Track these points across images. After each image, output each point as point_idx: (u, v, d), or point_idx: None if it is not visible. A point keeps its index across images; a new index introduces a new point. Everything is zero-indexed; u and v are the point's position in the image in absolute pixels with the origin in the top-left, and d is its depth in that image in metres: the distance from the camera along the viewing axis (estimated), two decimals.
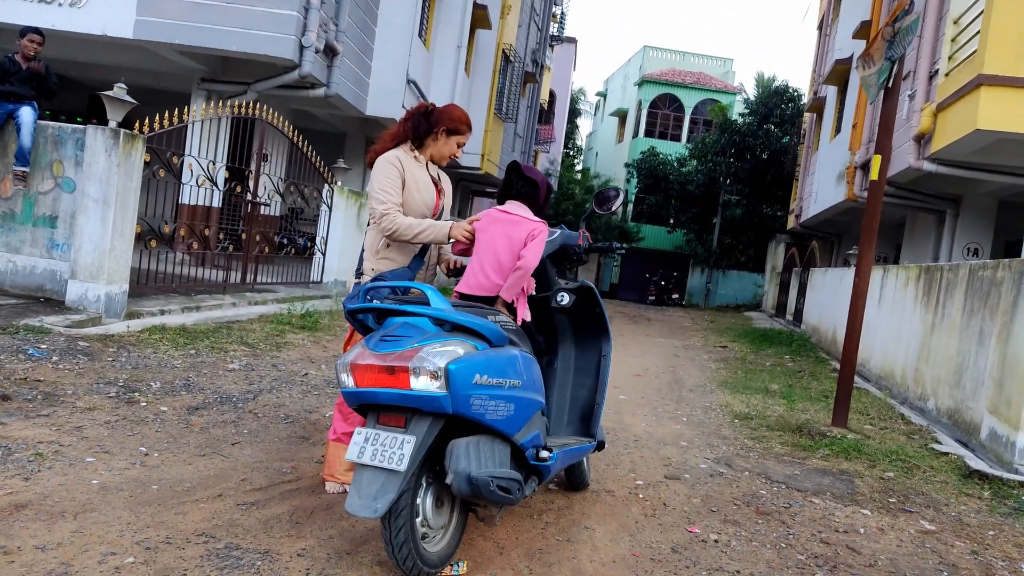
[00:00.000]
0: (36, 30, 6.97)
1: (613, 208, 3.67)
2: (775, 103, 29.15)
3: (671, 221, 32.71)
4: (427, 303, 2.68)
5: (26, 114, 6.61)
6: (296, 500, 3.22)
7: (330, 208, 11.07)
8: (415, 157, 3.37)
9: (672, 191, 31.35)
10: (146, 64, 11.00)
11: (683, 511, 3.71)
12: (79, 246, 6.34)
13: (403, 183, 3.26)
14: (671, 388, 7.72)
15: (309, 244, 13.79)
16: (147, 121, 6.82)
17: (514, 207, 3.36)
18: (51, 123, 6.73)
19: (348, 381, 2.58)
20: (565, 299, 3.50)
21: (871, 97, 6.43)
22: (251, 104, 8.71)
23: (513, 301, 3.17)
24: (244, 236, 9.49)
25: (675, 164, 31.95)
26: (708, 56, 40.70)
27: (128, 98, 6.60)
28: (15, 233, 6.67)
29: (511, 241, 3.24)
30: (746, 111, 30.54)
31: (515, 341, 2.93)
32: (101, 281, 6.30)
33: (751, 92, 31.76)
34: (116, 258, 6.40)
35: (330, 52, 10.51)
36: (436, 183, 3.45)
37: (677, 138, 37.24)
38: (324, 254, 11.16)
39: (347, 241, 11.28)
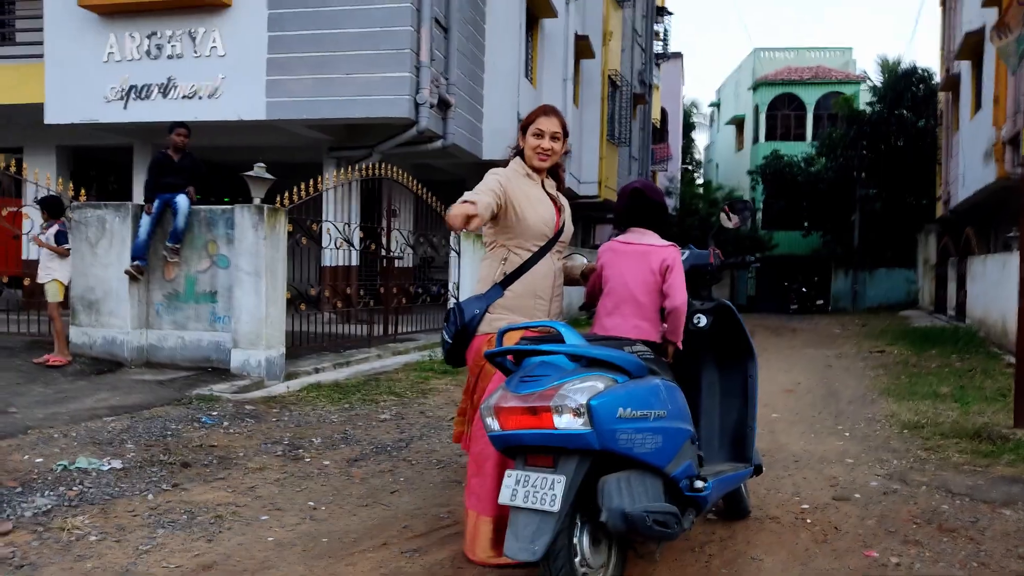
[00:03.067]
0: (183, 124, 7.71)
1: (742, 221, 3.55)
2: (904, 86, 27.34)
3: (804, 224, 31.21)
4: (561, 341, 2.69)
5: (181, 201, 7.27)
6: (455, 545, 3.28)
7: (458, 254, 11.39)
8: (527, 175, 3.22)
9: (802, 193, 29.99)
10: (279, 141, 11.86)
11: (857, 534, 3.48)
12: (238, 317, 6.86)
13: (504, 193, 3.08)
14: (827, 401, 7.30)
15: (442, 291, 14.24)
16: (286, 194, 7.34)
17: (638, 235, 3.28)
18: (203, 206, 7.37)
19: (493, 425, 2.62)
20: (702, 321, 3.40)
21: (1012, 68, 5.93)
22: (376, 165, 9.18)
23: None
24: (383, 290, 9.93)
25: (802, 164, 30.57)
26: (824, 48, 38.96)
27: (267, 175, 7.13)
28: (180, 311, 7.32)
29: (645, 275, 3.15)
30: (874, 99, 28.84)
31: (655, 370, 2.88)
32: (260, 347, 6.77)
33: (876, 79, 30.06)
34: (271, 324, 6.87)
35: (444, 105, 10.92)
36: (554, 200, 3.28)
37: (801, 137, 35.68)
38: (457, 299, 11.47)
39: (476, 284, 11.52)
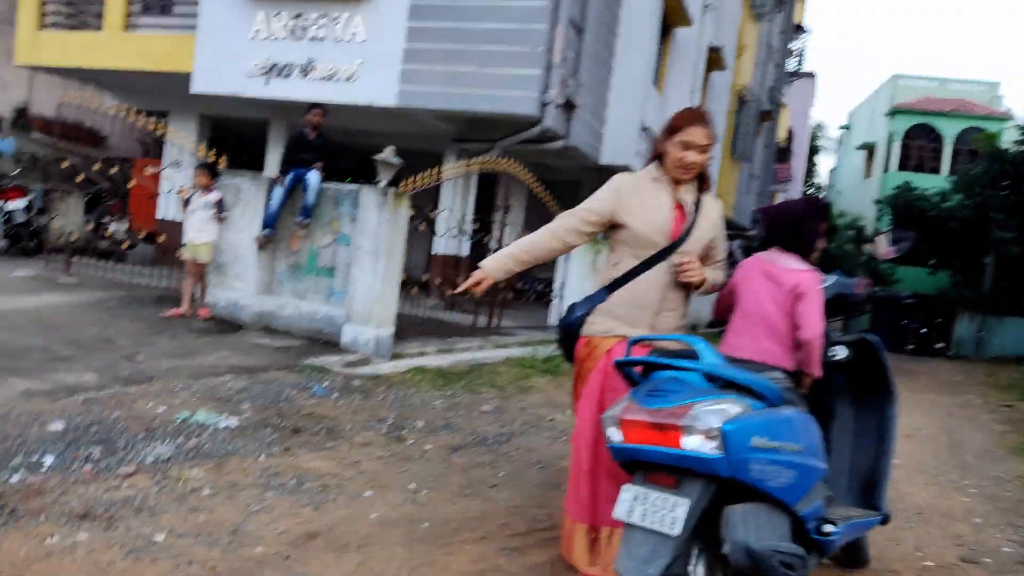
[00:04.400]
0: (319, 105, 7.98)
1: (899, 252, 3.31)
2: None
3: (931, 262, 29.36)
4: (696, 357, 2.57)
5: (313, 177, 7.52)
6: (554, 549, 3.21)
7: (567, 255, 11.32)
8: (654, 179, 3.02)
9: (932, 228, 28.22)
10: (405, 129, 12.11)
11: None
12: (353, 293, 7.03)
13: (618, 203, 2.96)
14: (951, 453, 6.79)
15: (547, 289, 14.23)
16: (408, 180, 7.46)
17: (776, 256, 3.12)
18: (331, 184, 7.60)
19: (616, 436, 2.53)
20: (839, 354, 3.18)
21: None
22: (496, 159, 9.22)
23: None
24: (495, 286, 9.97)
25: (935, 199, 28.79)
26: (969, 81, 36.51)
27: (396, 160, 7.27)
28: (301, 282, 7.56)
29: (777, 297, 3.00)
30: (1020, 138, 26.82)
31: (792, 400, 2.71)
32: (371, 325, 6.91)
33: (1022, 118, 27.93)
34: (384, 304, 7.00)
35: (569, 106, 10.86)
36: (682, 207, 2.99)
37: (935, 171, 33.64)
38: (561, 299, 11.40)
39: (583, 287, 11.43)
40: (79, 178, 9.28)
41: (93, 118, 14.92)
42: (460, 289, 2.89)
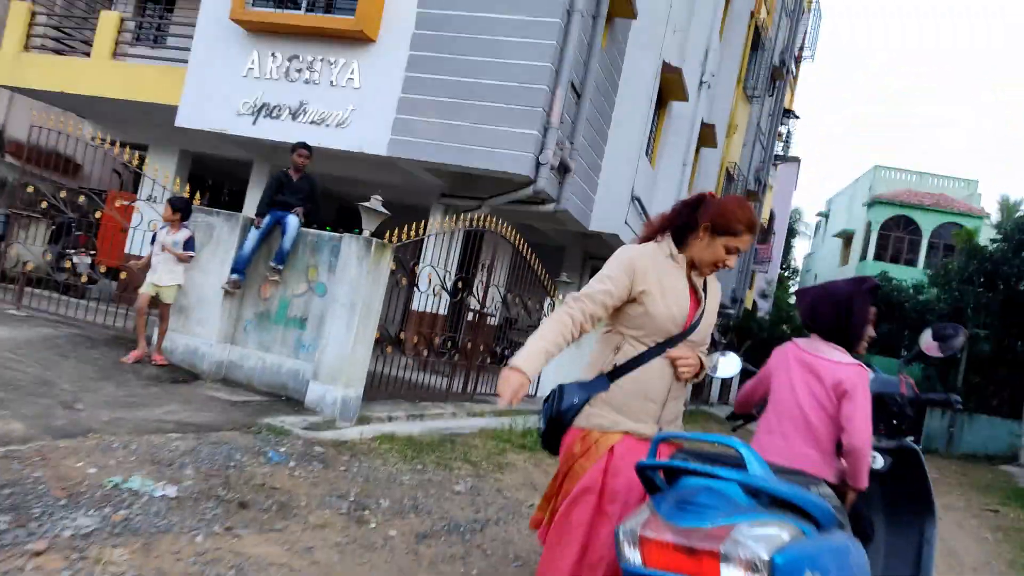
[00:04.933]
0: (305, 145, 7.62)
1: (947, 351, 2.94)
2: None
3: (903, 353, 29.42)
4: (740, 465, 2.13)
5: (292, 221, 7.09)
6: None
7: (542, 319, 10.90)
8: (671, 256, 2.67)
9: (908, 321, 28.34)
10: (392, 180, 11.78)
11: None
12: (323, 348, 6.53)
13: (633, 284, 2.59)
14: (948, 565, 6.34)
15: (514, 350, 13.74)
16: (391, 232, 7.06)
17: (818, 344, 2.73)
18: (311, 230, 7.17)
19: (633, 557, 2.06)
20: (878, 462, 2.78)
21: None
22: (484, 217, 8.87)
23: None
24: (470, 345, 9.50)
25: (910, 291, 29.02)
26: (949, 177, 37.48)
27: (382, 209, 6.88)
28: (268, 333, 7.05)
29: (818, 392, 2.60)
30: (998, 236, 27.29)
31: (843, 523, 2.28)
32: (340, 384, 6.40)
33: (996, 217, 28.44)
34: (355, 362, 6.50)
35: (563, 169, 10.63)
36: (696, 292, 2.69)
37: (912, 263, 34.14)
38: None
39: (563, 357, 10.98)
40: (42, 204, 8.75)
41: (70, 145, 14.48)
42: (505, 401, 2.43)
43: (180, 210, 7.02)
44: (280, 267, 7.08)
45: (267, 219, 7.20)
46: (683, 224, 2.68)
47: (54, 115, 10.92)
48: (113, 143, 8.78)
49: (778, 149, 27.11)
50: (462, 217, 8.81)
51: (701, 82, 15.73)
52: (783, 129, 26.46)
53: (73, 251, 10.73)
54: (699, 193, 2.79)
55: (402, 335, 8.80)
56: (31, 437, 4.13)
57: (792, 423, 2.58)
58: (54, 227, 11.24)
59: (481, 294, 9.61)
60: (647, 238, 2.80)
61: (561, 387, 2.72)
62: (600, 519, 2.57)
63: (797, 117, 28.33)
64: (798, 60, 27.98)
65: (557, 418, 2.66)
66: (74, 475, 3.73)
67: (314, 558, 3.47)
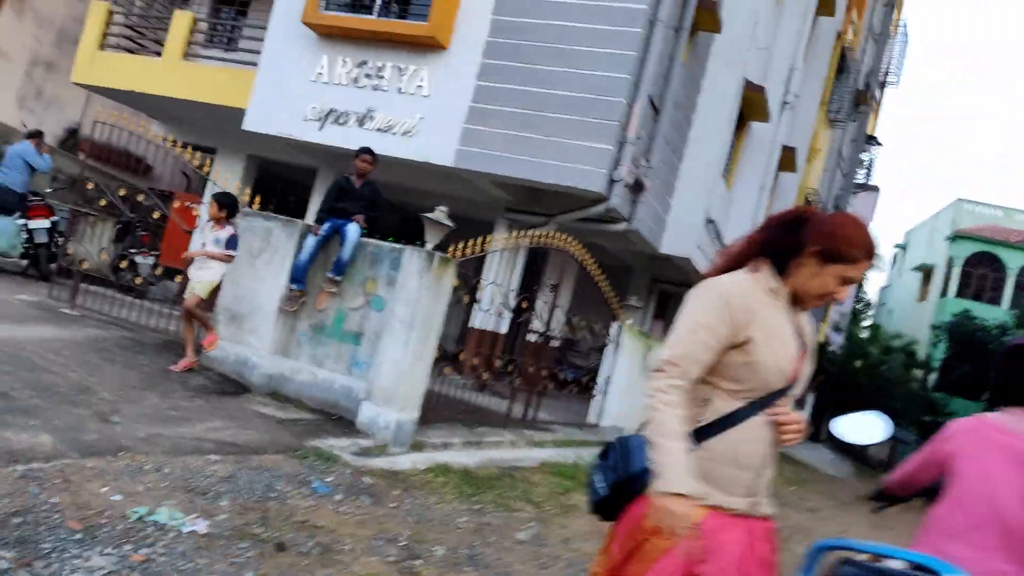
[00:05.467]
0: (369, 151, 7.22)
1: None
2: None
3: (985, 396, 27.66)
4: None
5: (352, 230, 6.69)
6: None
7: (617, 346, 10.30)
8: (771, 290, 2.10)
9: (989, 362, 26.68)
10: (456, 192, 11.39)
11: None
12: (379, 367, 6.09)
13: (734, 330, 2.03)
14: None
15: (582, 377, 13.17)
16: (452, 247, 6.60)
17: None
18: (371, 240, 6.76)
19: None
20: None
21: None
22: (551, 234, 8.34)
23: None
24: (532, 369, 8.95)
25: (995, 331, 27.33)
26: None
27: (448, 222, 6.43)
28: (322, 346, 6.65)
29: None
30: None
31: None
32: (394, 407, 5.94)
33: None
34: (412, 383, 6.04)
35: (637, 187, 10.04)
36: (801, 334, 2.13)
37: (996, 301, 32.26)
38: (605, 395, 10.32)
39: (629, 385, 10.37)
40: (102, 202, 8.59)
41: (141, 146, 14.61)
42: (668, 524, 1.91)
43: (226, 207, 6.68)
44: (338, 278, 6.68)
45: (326, 226, 6.83)
46: (782, 248, 2.12)
47: (126, 115, 10.89)
48: (180, 145, 8.59)
49: (859, 177, 25.93)
50: (528, 232, 8.31)
51: (783, 103, 14.96)
52: (865, 156, 25.29)
53: (135, 251, 10.63)
54: (795, 209, 2.21)
55: (460, 355, 8.34)
56: (57, 454, 3.75)
57: (989, 530, 1.96)
58: (119, 226, 11.17)
59: (546, 315, 9.07)
60: (732, 266, 2.21)
61: (626, 441, 2.15)
62: None
63: (880, 144, 27.06)
64: (883, 85, 26.79)
65: (625, 483, 2.10)
66: (96, 503, 3.32)
67: None
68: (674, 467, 1.91)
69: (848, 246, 2.02)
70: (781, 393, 2.09)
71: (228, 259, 6.61)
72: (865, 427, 2.57)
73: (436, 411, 6.88)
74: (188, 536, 3.27)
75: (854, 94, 20.11)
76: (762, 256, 2.13)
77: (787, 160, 15.78)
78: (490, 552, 4.14)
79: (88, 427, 4.31)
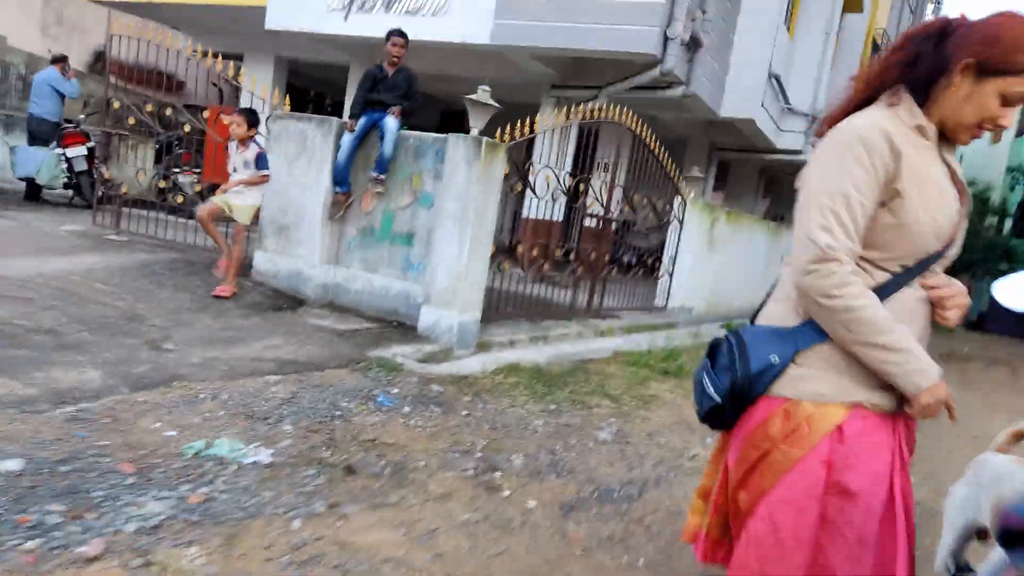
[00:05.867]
0: (400, 32, 6.60)
1: None
2: None
3: None
4: None
5: (391, 123, 6.21)
6: None
7: (681, 223, 9.73)
8: (917, 128, 1.69)
9: None
10: (497, 74, 10.66)
11: None
12: (434, 268, 5.74)
13: (885, 186, 1.65)
14: None
15: (644, 259, 12.69)
16: (500, 131, 6.06)
17: None
18: (412, 132, 6.28)
19: None
20: None
21: None
22: (603, 108, 7.66)
23: None
24: (594, 254, 8.50)
25: None
26: None
27: (492, 102, 5.87)
28: (373, 251, 6.31)
29: None
30: None
31: None
32: (455, 308, 5.62)
33: None
34: (471, 283, 5.68)
35: (694, 45, 9.15)
36: (956, 179, 1.73)
37: None
38: (672, 276, 9.85)
39: (697, 264, 9.87)
40: (131, 120, 8.24)
41: (170, 63, 14.20)
42: (929, 410, 1.66)
43: (254, 124, 6.19)
44: (382, 176, 6.25)
45: (362, 121, 6.35)
46: (925, 71, 1.69)
47: (151, 28, 10.40)
48: (206, 54, 8.08)
49: (928, 11, 23.66)
50: (578, 108, 7.66)
51: None
52: None
53: (176, 170, 10.37)
54: (940, 18, 1.73)
55: (517, 246, 7.94)
56: (106, 390, 3.55)
57: None
58: (158, 146, 10.90)
59: (605, 196, 8.52)
60: (861, 101, 1.78)
61: (740, 335, 1.81)
62: (829, 536, 1.67)
63: None
64: None
65: (744, 385, 1.75)
66: (149, 441, 3.10)
67: (438, 547, 2.72)
68: (919, 355, 1.65)
69: (1015, 51, 1.58)
70: (935, 258, 1.71)
71: (264, 180, 6.20)
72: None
73: (498, 308, 6.55)
74: (250, 468, 3.05)
75: None
76: (899, 83, 1.71)
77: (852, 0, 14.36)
78: (571, 456, 3.85)
79: (139, 357, 4.10)
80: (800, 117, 13.70)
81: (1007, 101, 1.63)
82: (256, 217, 6.37)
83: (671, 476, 3.81)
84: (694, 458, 4.12)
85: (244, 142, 6.06)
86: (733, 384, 1.77)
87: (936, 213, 1.66)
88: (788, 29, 12.75)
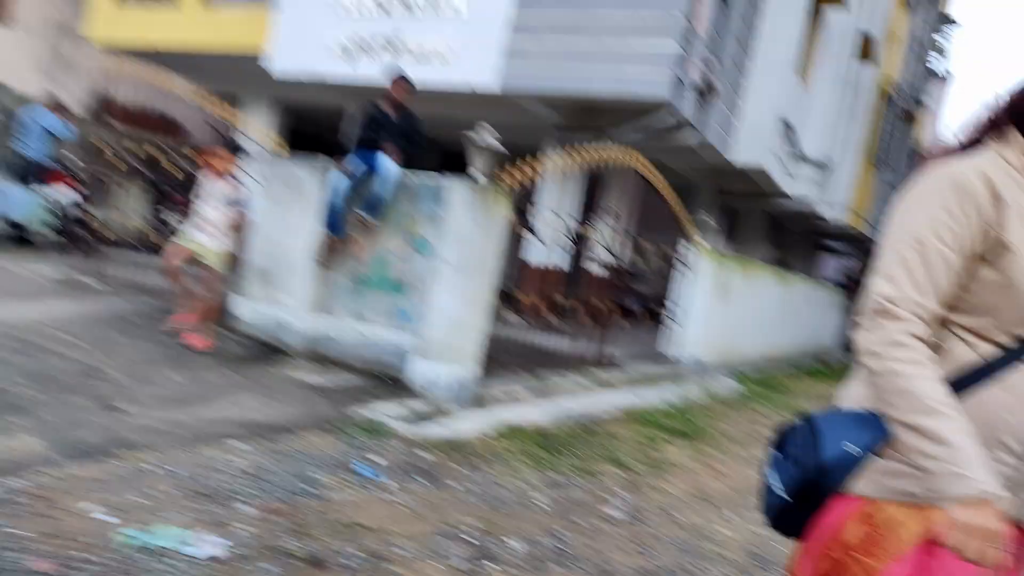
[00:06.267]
0: (406, 77, 6.27)
1: None
2: None
3: None
4: None
5: (386, 163, 5.83)
6: None
7: (690, 270, 9.29)
8: (1017, 169, 1.38)
9: None
10: (499, 118, 10.33)
11: None
12: (428, 318, 5.30)
13: (981, 238, 1.33)
14: None
15: (647, 307, 12.26)
16: (501, 175, 5.68)
17: None
18: (410, 174, 5.90)
19: None
20: None
21: None
22: (611, 150, 7.29)
23: None
24: (597, 303, 8.04)
25: None
26: None
27: (496, 144, 5.50)
28: (363, 298, 5.88)
29: None
30: None
31: None
32: (451, 361, 5.17)
33: None
34: (469, 334, 5.24)
35: (707, 91, 8.85)
36: None
37: None
38: (682, 324, 9.35)
39: (706, 312, 9.40)
40: (121, 165, 7.92)
41: (169, 106, 14.06)
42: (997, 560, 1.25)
43: (234, 152, 5.80)
44: (375, 220, 5.86)
45: (357, 162, 5.98)
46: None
47: (149, 71, 10.21)
48: (208, 97, 7.78)
49: (937, 64, 23.52)
50: (585, 151, 7.30)
51: None
52: (941, 40, 22.84)
53: (166, 213, 10.03)
54: None
55: (518, 294, 7.51)
56: (42, 460, 3.07)
57: None
58: (152, 190, 10.59)
59: (609, 242, 8.11)
60: (967, 145, 1.48)
61: (812, 419, 1.47)
62: None
63: (957, 24, 24.38)
64: None
65: (816, 479, 1.41)
66: (78, 528, 2.61)
67: None
68: (963, 457, 1.24)
69: None
70: None
71: (242, 219, 5.78)
72: None
73: (497, 360, 6.07)
74: (198, 564, 2.55)
75: None
76: (1010, 123, 1.42)
77: (866, 49, 14.18)
78: (579, 541, 3.34)
79: (87, 420, 3.63)
80: (812, 165, 13.40)
81: None
82: (230, 262, 5.94)
83: (694, 565, 3.28)
84: (720, 544, 3.60)
85: (221, 173, 5.66)
86: (803, 479, 1.42)
87: None
88: (801, 76, 12.50)
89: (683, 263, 9.31)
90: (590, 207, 8.65)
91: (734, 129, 10.94)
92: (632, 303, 13.45)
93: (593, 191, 11.03)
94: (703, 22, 8.10)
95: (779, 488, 1.46)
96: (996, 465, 1.31)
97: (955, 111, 78.64)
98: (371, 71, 9.52)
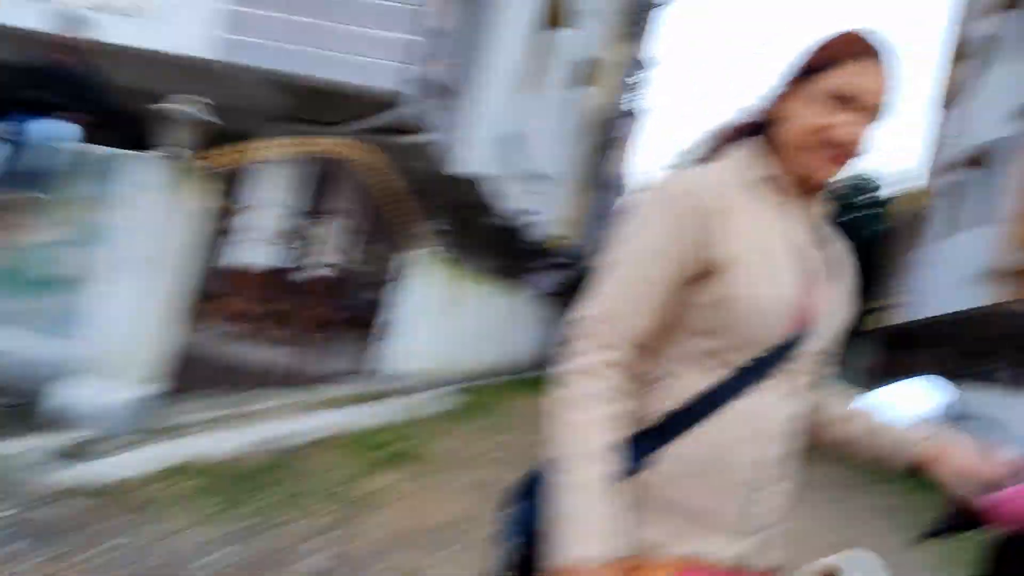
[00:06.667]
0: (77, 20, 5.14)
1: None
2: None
3: None
4: None
5: (50, 129, 4.71)
6: None
7: (413, 279, 8.94)
8: (759, 179, 1.27)
9: None
10: (217, 97, 9.21)
11: None
12: (100, 324, 4.31)
13: (696, 254, 1.19)
14: None
15: (372, 318, 11.80)
16: (213, 153, 4.88)
17: None
18: (83, 146, 4.83)
19: None
20: None
21: None
22: (335, 144, 6.76)
23: None
24: (310, 311, 7.38)
25: None
26: None
27: (197, 113, 4.64)
28: (12, 301, 4.65)
29: None
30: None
31: None
32: (122, 379, 4.23)
33: None
34: (149, 345, 4.36)
35: (442, 92, 8.61)
36: (817, 246, 1.32)
37: None
38: (394, 336, 8.91)
39: (430, 323, 9.15)
40: None
41: None
42: None
43: None
44: (32, 196, 4.68)
45: (10, 126, 4.76)
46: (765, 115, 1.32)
47: None
48: None
49: (638, 98, 26.06)
50: (305, 141, 6.66)
51: (583, 11, 14.16)
52: (641, 76, 25.32)
53: None
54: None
55: (222, 299, 6.62)
56: None
57: None
58: None
59: (337, 246, 7.52)
60: (708, 157, 1.37)
61: (537, 476, 1.27)
62: None
63: (656, 63, 27.22)
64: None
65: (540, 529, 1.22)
66: None
67: None
68: (581, 516, 1.13)
69: (820, 51, 1.25)
70: (787, 349, 1.22)
71: None
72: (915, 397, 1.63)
73: (189, 377, 5.15)
74: None
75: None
76: (746, 132, 1.33)
77: (586, 73, 15.14)
78: None
79: None
80: (533, 179, 13.93)
81: (836, 102, 1.21)
82: None
83: None
84: None
85: None
86: (520, 528, 1.25)
87: (775, 286, 1.19)
88: (522, 90, 12.85)
89: (410, 271, 8.96)
90: (318, 206, 8.00)
91: (464, 137, 10.89)
92: (354, 312, 12.84)
93: (322, 189, 10.29)
94: (443, 21, 7.86)
95: (516, 538, 1.24)
96: (727, 497, 1.19)
97: (652, 141, 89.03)
98: (39, 18, 7.86)
